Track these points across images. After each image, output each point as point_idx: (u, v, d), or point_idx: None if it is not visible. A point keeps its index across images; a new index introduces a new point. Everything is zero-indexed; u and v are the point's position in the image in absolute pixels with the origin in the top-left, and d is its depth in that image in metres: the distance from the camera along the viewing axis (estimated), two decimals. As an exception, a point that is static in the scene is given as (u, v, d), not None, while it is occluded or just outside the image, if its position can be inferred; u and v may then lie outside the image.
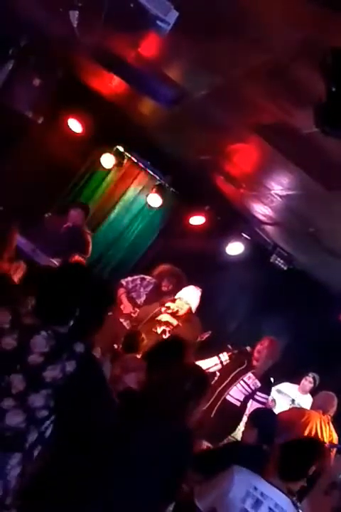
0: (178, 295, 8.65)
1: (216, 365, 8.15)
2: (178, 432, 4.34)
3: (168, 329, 8.34)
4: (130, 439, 4.20)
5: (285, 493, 4.67)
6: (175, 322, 8.41)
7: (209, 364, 8.11)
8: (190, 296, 8.60)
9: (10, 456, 3.46)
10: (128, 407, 4.34)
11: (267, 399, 8.08)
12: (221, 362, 8.15)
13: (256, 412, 6.66)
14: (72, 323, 3.71)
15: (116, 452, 4.15)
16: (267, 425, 5.90)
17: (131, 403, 4.40)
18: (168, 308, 8.57)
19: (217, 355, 8.23)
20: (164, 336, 8.23)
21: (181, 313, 8.53)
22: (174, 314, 8.50)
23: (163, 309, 8.58)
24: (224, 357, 8.16)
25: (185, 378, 4.48)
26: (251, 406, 7.79)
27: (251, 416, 6.44)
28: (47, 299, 3.79)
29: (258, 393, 7.85)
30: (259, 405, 7.85)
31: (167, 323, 8.38)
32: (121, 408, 4.27)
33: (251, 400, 7.84)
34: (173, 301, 8.65)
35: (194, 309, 8.66)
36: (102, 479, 4.05)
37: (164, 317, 8.48)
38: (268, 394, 8.17)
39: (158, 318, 8.47)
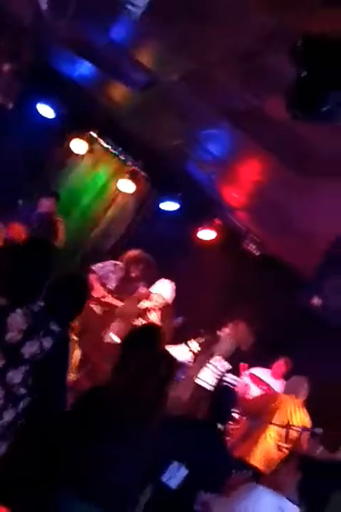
0: (153, 290, 8.62)
1: (187, 353, 8.17)
2: (159, 419, 4.37)
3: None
4: (108, 431, 4.21)
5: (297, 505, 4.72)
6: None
7: (180, 353, 8.13)
8: (164, 290, 8.58)
9: None
10: (101, 400, 4.34)
11: (237, 381, 8.10)
12: (191, 350, 8.16)
13: (217, 390, 6.68)
14: (42, 304, 3.74)
15: (94, 440, 4.17)
16: (223, 404, 5.87)
17: (105, 396, 4.39)
18: (144, 302, 8.57)
19: (186, 343, 8.23)
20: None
21: (156, 306, 8.53)
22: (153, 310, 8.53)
23: (141, 304, 8.59)
24: (194, 345, 8.17)
25: (160, 364, 4.48)
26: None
27: (211, 393, 6.47)
28: (14, 275, 3.83)
29: (228, 375, 7.90)
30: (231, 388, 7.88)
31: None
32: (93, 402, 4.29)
33: (224, 384, 7.88)
34: (148, 296, 8.61)
35: (170, 301, 8.64)
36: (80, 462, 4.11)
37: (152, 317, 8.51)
38: (238, 376, 8.22)
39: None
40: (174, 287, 8.69)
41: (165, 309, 8.57)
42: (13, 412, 3.57)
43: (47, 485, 4.01)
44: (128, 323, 8.06)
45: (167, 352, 5.04)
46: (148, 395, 4.30)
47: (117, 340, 7.64)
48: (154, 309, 8.46)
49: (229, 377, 7.87)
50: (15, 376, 3.54)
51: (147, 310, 8.43)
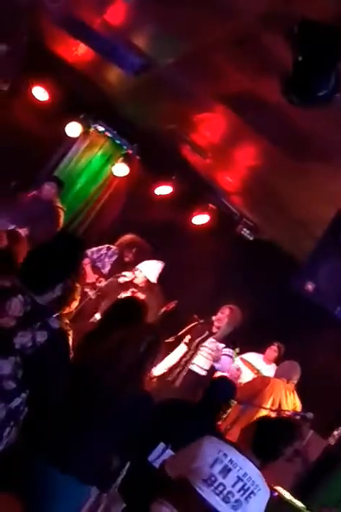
0: (137, 267, 8.65)
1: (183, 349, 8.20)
2: (136, 395, 4.38)
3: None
4: (87, 402, 4.24)
5: (256, 466, 4.67)
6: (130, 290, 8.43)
7: (178, 354, 8.17)
8: (147, 268, 8.59)
9: None
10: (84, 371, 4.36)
11: (232, 352, 8.15)
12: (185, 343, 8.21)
13: (214, 381, 6.66)
14: (50, 298, 3.68)
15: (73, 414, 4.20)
16: (220, 395, 5.85)
17: (87, 366, 4.41)
18: (124, 276, 8.60)
19: (183, 341, 8.25)
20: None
21: (137, 282, 8.54)
22: (131, 282, 8.53)
23: (121, 279, 8.61)
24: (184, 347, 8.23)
25: (141, 340, 4.49)
26: (224, 360, 7.90)
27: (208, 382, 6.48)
28: (33, 262, 3.75)
29: (224, 349, 7.96)
30: (228, 359, 7.94)
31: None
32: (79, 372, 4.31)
33: (222, 356, 7.95)
34: (132, 272, 8.66)
35: (153, 280, 8.63)
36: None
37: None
38: (233, 349, 8.26)
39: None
40: (161, 267, 8.66)
41: (150, 288, 8.56)
42: (4, 409, 3.44)
43: (24, 454, 4.00)
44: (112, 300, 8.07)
45: (152, 328, 5.05)
46: (124, 367, 4.31)
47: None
48: (136, 286, 8.47)
49: (227, 350, 7.96)
50: (4, 366, 3.41)
51: (129, 285, 8.44)
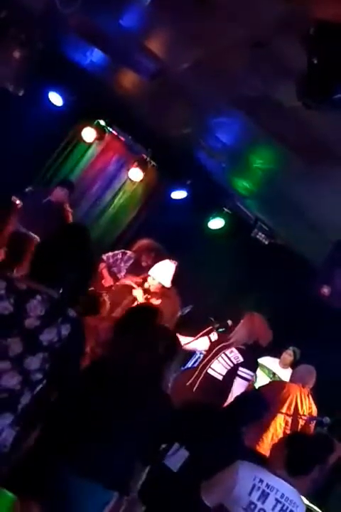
0: (149, 272, 8.57)
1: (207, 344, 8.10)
2: (155, 398, 4.41)
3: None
4: (107, 406, 4.25)
5: (291, 484, 4.70)
6: (144, 296, 8.38)
7: (201, 344, 8.08)
8: (160, 273, 8.51)
9: (1, 417, 3.48)
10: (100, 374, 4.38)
11: (252, 376, 7.96)
12: (210, 340, 8.09)
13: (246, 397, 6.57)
14: (62, 290, 3.72)
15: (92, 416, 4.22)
16: (250, 410, 5.82)
17: (103, 369, 4.43)
18: (140, 284, 8.55)
19: (208, 336, 8.14)
20: None
21: (153, 289, 8.47)
22: (146, 291, 8.47)
23: (127, 281, 8.58)
24: (214, 336, 8.09)
25: (158, 342, 4.50)
26: (237, 384, 7.69)
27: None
28: (41, 256, 3.82)
29: (241, 369, 7.75)
30: (244, 382, 7.76)
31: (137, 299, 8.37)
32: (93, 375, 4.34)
33: (236, 377, 7.74)
34: (145, 278, 8.59)
35: (168, 284, 8.56)
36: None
37: (136, 293, 8.46)
38: (253, 371, 8.05)
39: (132, 293, 8.45)
40: (174, 268, 8.57)
41: (165, 294, 8.50)
42: (29, 394, 3.55)
43: (45, 459, 4.04)
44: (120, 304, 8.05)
45: (168, 332, 5.05)
46: (142, 371, 4.32)
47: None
48: (149, 292, 8.41)
49: (242, 371, 7.76)
50: (33, 363, 3.53)
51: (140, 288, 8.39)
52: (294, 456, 4.77)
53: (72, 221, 10.45)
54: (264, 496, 4.59)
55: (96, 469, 4.13)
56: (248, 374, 7.69)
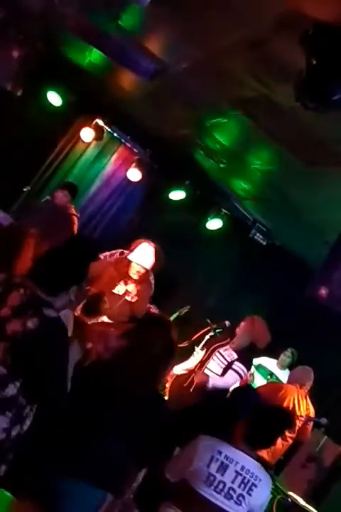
0: (130, 258, 8.42)
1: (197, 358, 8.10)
2: (148, 398, 4.39)
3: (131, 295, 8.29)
4: (99, 405, 4.23)
5: (253, 457, 4.70)
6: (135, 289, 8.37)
7: (195, 359, 8.08)
8: (140, 257, 8.41)
9: None
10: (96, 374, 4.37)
11: (244, 371, 7.98)
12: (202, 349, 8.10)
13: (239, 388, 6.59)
14: (65, 301, 3.73)
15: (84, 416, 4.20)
16: (247, 403, 5.83)
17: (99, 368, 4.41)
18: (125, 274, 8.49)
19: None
20: (127, 298, 8.16)
21: (132, 275, 8.39)
22: (129, 279, 8.43)
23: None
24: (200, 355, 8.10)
25: (154, 343, 4.49)
26: (229, 374, 7.70)
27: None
28: (45, 265, 3.84)
29: (235, 363, 7.78)
30: (236, 375, 7.77)
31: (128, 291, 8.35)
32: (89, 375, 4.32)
33: (229, 370, 7.75)
34: (128, 265, 8.43)
35: (149, 266, 8.46)
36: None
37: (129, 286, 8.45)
38: (247, 367, 8.08)
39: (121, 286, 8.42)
40: (153, 251, 8.47)
41: (145, 279, 8.45)
42: None
43: (37, 458, 4.02)
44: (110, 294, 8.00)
45: (165, 331, 5.03)
46: (136, 369, 4.30)
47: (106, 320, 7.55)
48: (130, 278, 8.35)
49: (236, 365, 7.77)
50: None
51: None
52: (252, 428, 4.78)
53: (81, 231, 10.43)
54: (223, 467, 4.58)
55: (86, 467, 4.10)
56: (241, 368, 7.72)
